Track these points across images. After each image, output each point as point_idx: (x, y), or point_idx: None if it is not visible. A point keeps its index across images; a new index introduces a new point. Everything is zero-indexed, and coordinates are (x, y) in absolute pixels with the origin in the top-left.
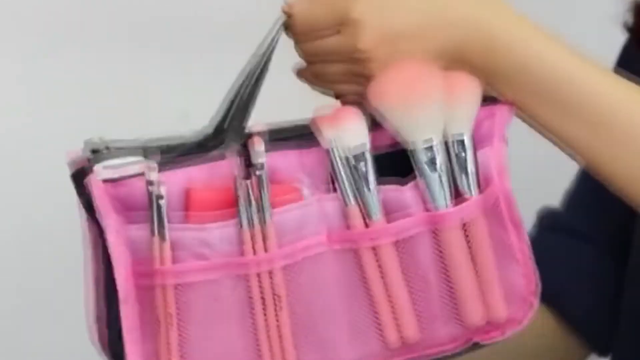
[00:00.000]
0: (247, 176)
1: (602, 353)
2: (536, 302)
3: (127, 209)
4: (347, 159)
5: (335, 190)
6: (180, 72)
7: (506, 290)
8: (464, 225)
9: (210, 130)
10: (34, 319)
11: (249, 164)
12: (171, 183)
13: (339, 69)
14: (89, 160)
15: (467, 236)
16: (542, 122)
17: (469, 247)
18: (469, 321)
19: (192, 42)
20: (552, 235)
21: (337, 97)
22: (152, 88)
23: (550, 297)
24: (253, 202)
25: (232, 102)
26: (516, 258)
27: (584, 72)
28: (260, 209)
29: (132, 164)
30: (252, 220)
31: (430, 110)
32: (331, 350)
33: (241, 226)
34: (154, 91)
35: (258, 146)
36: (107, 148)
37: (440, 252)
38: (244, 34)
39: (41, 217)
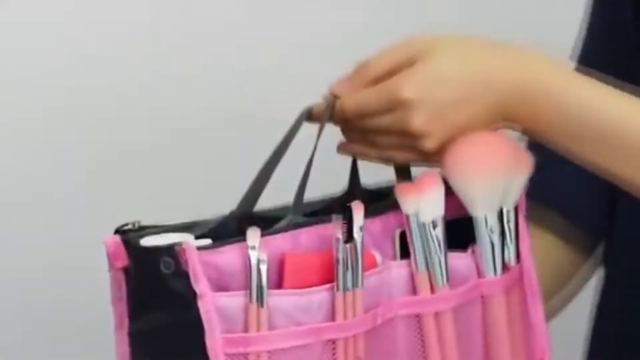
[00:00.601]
0: (346, 240)
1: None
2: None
3: (220, 277)
4: (424, 226)
5: (401, 256)
6: None
7: (527, 353)
8: (507, 292)
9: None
10: None
11: (347, 229)
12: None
13: (393, 141)
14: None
15: (507, 302)
16: (591, 161)
17: (508, 313)
18: None
19: None
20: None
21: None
22: None
23: (550, 198)
24: (350, 267)
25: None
26: (537, 329)
27: (620, 109)
28: (355, 274)
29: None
30: (347, 284)
31: (501, 183)
32: None
33: (337, 290)
34: None
35: (359, 211)
36: (152, 226)
37: (485, 317)
38: None
39: None
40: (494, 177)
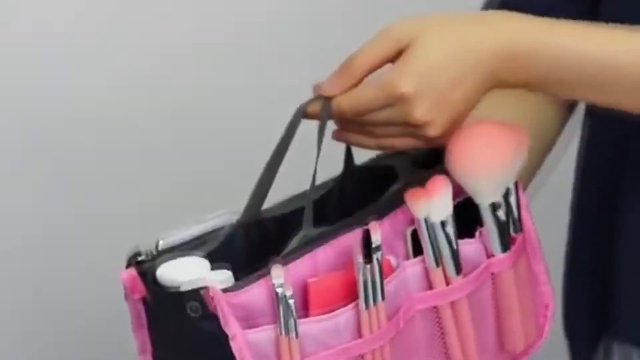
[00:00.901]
0: (366, 260)
1: None
2: (550, 313)
3: (247, 314)
4: (436, 226)
5: (414, 255)
6: None
7: (535, 305)
8: (514, 264)
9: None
10: None
11: (365, 248)
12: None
13: (393, 131)
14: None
15: (515, 272)
16: (591, 99)
17: (516, 282)
18: (514, 349)
19: None
20: None
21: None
22: None
23: None
24: (370, 285)
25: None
26: (541, 281)
27: (610, 44)
28: (377, 290)
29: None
30: (370, 301)
31: (506, 172)
32: None
33: (362, 308)
34: None
35: (376, 230)
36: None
37: (496, 291)
38: None
39: None
40: (499, 169)
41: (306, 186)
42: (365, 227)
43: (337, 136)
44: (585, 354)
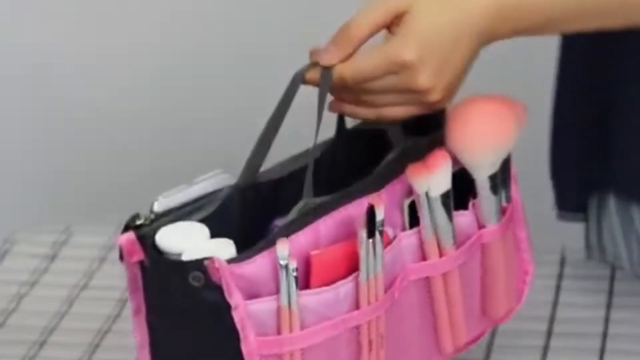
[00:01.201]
0: (370, 235)
1: None
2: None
3: (249, 285)
4: (435, 200)
5: (410, 226)
6: None
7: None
8: (504, 234)
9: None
10: None
11: (369, 223)
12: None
13: (393, 99)
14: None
15: (504, 242)
16: (594, 28)
17: (504, 251)
18: (496, 315)
19: None
20: None
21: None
22: None
23: None
24: (372, 257)
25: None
26: (522, 248)
27: None
28: (377, 262)
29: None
30: (369, 273)
31: (504, 147)
32: None
33: (362, 280)
34: None
35: (380, 205)
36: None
37: (484, 260)
38: None
39: None
40: (498, 144)
41: (300, 149)
42: (370, 201)
43: (333, 108)
44: (573, 204)
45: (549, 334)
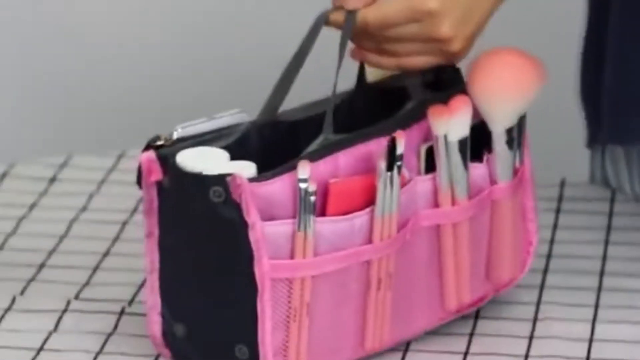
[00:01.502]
0: (389, 167)
1: None
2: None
3: (267, 206)
4: (453, 145)
5: (426, 171)
6: None
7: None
8: (514, 193)
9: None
10: None
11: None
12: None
13: (415, 48)
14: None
15: (513, 202)
16: None
17: (512, 213)
18: (499, 280)
19: None
20: None
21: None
22: None
23: None
24: (389, 192)
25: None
26: (529, 218)
27: None
28: (393, 199)
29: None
30: (385, 209)
31: (522, 102)
32: (410, 321)
33: (377, 214)
34: None
35: (401, 139)
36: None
37: (493, 219)
38: None
39: None
40: (517, 97)
41: (320, 95)
42: (392, 135)
43: (355, 55)
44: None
45: (548, 257)
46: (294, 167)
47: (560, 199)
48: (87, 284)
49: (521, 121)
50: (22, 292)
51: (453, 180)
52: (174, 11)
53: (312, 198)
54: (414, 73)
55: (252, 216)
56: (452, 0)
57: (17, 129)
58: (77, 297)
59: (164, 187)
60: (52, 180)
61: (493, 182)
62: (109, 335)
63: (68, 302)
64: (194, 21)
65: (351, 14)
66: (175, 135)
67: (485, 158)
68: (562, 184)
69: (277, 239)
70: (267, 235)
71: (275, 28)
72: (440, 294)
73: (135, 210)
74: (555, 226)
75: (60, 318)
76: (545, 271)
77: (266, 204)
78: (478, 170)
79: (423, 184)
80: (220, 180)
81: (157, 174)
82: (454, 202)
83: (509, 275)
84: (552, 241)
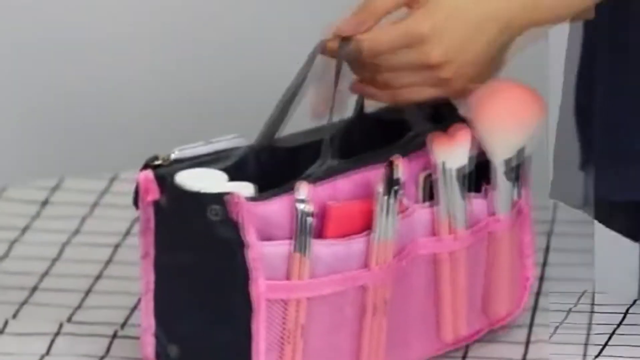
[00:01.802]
0: (386, 192)
1: None
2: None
3: (265, 226)
4: (452, 173)
5: (424, 200)
6: None
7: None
8: (511, 226)
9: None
10: None
11: (388, 183)
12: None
13: (409, 79)
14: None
15: (510, 234)
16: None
17: (509, 247)
18: (495, 314)
19: None
20: None
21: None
22: None
23: None
24: (385, 217)
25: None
26: (526, 254)
27: None
28: (391, 224)
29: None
30: (383, 234)
31: (523, 135)
32: (405, 349)
33: (375, 240)
34: None
35: (399, 164)
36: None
37: (490, 251)
38: None
39: None
40: (518, 129)
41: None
42: (390, 160)
43: (354, 88)
44: None
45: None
46: (293, 188)
47: (552, 221)
48: (79, 307)
49: (521, 154)
50: (14, 316)
51: (451, 209)
52: (169, 36)
53: (310, 219)
54: (410, 107)
55: (249, 235)
56: (448, 26)
57: (9, 151)
58: (69, 320)
59: (161, 206)
60: (45, 203)
61: (491, 214)
62: (102, 358)
63: (61, 325)
64: (190, 46)
65: (345, 41)
66: (172, 157)
67: (483, 189)
68: (555, 206)
69: (274, 259)
70: (264, 255)
71: (274, 54)
72: (436, 323)
73: (128, 232)
74: (547, 249)
75: (52, 341)
76: (538, 293)
77: (264, 224)
78: (476, 200)
79: (421, 211)
80: (219, 198)
81: (154, 194)
82: (451, 231)
83: (505, 309)
84: (544, 264)
